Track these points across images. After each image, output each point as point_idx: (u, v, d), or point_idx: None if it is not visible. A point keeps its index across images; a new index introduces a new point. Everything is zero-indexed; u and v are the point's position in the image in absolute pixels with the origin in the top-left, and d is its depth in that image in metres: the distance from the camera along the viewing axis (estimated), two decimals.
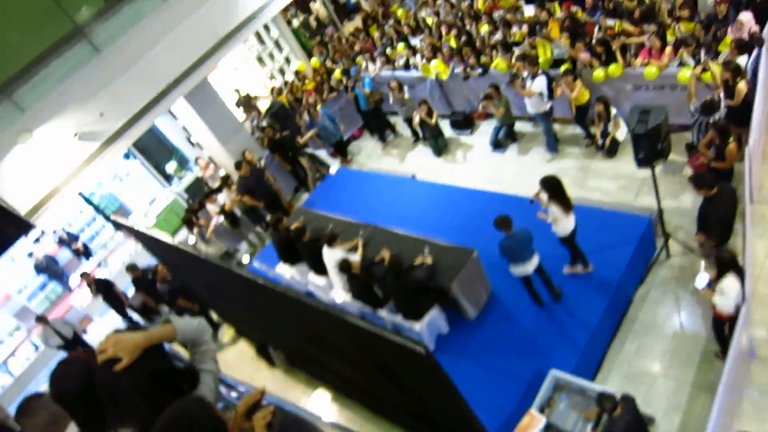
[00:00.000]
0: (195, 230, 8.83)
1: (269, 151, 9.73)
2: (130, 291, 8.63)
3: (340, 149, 10.24)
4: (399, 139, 10.31)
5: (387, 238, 6.20)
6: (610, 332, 5.48)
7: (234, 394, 3.95)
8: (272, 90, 11.46)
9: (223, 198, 9.37)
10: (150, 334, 1.99)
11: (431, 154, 9.31)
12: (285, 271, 7.14)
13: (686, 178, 5.95)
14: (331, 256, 6.00)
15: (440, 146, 9.18)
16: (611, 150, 7.52)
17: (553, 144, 7.92)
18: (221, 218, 9.05)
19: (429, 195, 7.79)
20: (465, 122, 9.34)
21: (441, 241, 5.93)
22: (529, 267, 5.22)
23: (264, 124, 10.46)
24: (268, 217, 6.97)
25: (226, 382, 4.22)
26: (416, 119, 8.99)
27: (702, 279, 4.28)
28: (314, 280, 6.69)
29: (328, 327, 2.88)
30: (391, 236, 6.24)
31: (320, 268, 6.40)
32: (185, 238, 9.64)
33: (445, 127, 9.41)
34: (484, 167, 8.44)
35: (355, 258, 5.89)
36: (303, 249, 6.57)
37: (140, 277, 7.80)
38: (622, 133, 7.40)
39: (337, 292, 6.24)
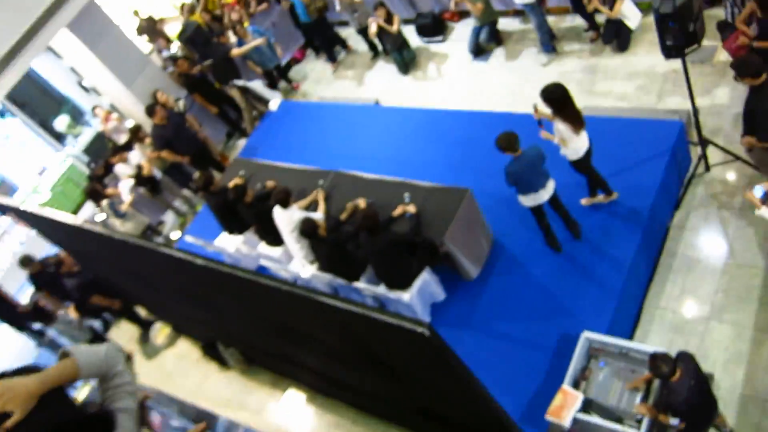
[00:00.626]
0: (104, 203, 8.30)
1: (187, 90, 9.38)
2: (29, 291, 8.05)
3: (280, 76, 10.10)
4: (353, 56, 10.18)
5: (354, 187, 5.99)
6: (647, 274, 5.28)
7: (176, 423, 3.51)
8: (182, 8, 10.84)
9: (136, 157, 8.92)
10: (46, 376, 1.95)
11: (396, 72, 9.19)
12: (227, 244, 6.85)
13: (720, 67, 5.65)
14: (286, 218, 5.67)
15: (406, 60, 8.98)
16: (622, 42, 7.20)
17: (549, 42, 7.63)
18: (136, 184, 8.69)
19: (399, 124, 7.59)
20: (435, 26, 9.10)
21: (423, 182, 5.67)
22: (544, 194, 5.00)
23: (177, 53, 10.04)
24: (197, 176, 6.42)
25: (164, 402, 3.76)
26: (372, 28, 8.74)
27: (757, 192, 4.16)
28: (267, 252, 6.43)
29: (295, 312, 2.83)
30: (358, 182, 6.03)
31: (273, 236, 6.13)
32: (92, 214, 9.24)
33: (411, 34, 9.21)
34: (465, 81, 8.27)
35: (317, 216, 5.55)
36: (247, 213, 6.26)
37: (39, 271, 7.23)
38: (633, 17, 6.92)
39: (298, 265, 5.94)
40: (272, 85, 9.97)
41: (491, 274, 5.59)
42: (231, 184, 6.52)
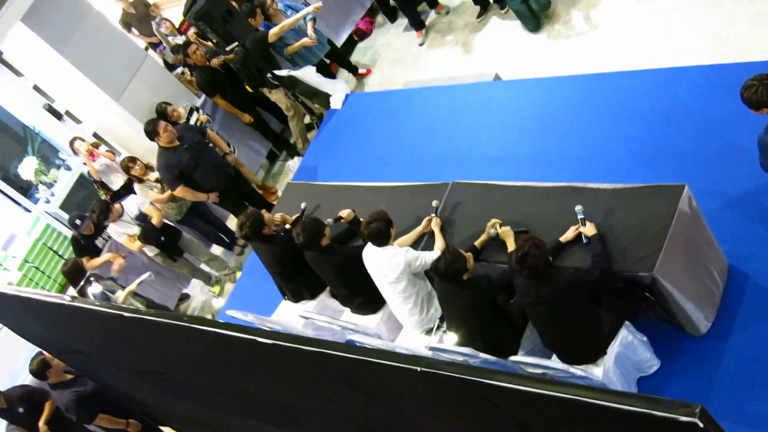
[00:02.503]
0: (93, 287, 8.38)
1: (205, 92, 9.91)
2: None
3: (339, 63, 10.47)
4: (449, 16, 10.49)
5: (485, 202, 6.08)
6: None
7: None
8: None
9: (134, 205, 9.01)
10: None
11: (521, 30, 9.31)
12: (292, 318, 6.89)
13: None
14: (387, 262, 5.76)
15: (537, 9, 9.08)
16: None
17: None
18: (146, 254, 8.96)
19: (537, 103, 7.58)
20: None
21: (598, 184, 5.61)
22: None
23: (187, 37, 10.41)
24: (237, 226, 6.84)
25: None
26: None
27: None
28: (357, 323, 6.49)
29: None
30: (492, 195, 6.12)
31: (365, 297, 6.34)
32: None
33: None
34: (634, 32, 8.18)
35: (435, 254, 5.61)
36: (323, 263, 6.41)
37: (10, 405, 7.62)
38: None
39: (410, 337, 5.97)
40: (329, 72, 10.30)
41: (732, 325, 5.40)
42: (291, 222, 6.76)
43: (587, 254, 5.18)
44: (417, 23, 10.41)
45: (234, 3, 9.80)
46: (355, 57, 11.14)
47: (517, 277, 5.07)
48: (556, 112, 7.41)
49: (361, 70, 10.53)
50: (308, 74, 9.57)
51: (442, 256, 5.29)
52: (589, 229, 5.25)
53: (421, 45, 10.39)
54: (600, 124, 7.00)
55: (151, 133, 8.48)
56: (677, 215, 5.11)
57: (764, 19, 6.97)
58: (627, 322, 5.26)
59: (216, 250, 10.04)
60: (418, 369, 2.57)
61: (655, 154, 6.43)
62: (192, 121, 9.37)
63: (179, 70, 10.73)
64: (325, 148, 9.08)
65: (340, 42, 10.77)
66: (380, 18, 11.28)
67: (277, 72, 9.47)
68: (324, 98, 9.67)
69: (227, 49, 9.43)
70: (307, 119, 10.41)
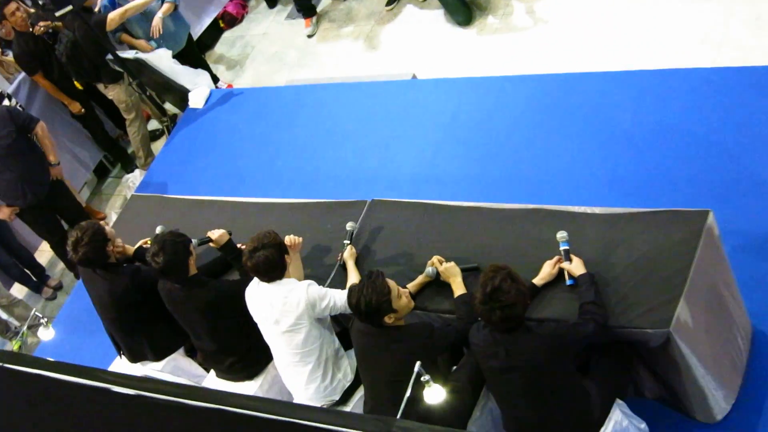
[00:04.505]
0: None
1: (22, 68, 9.55)
2: None
3: (192, 62, 10.20)
4: (348, 2, 10.67)
5: (416, 225, 6.04)
6: None
7: None
8: None
9: None
10: None
11: (445, 23, 9.50)
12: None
13: None
14: (288, 296, 5.35)
15: None
16: None
17: None
18: None
19: (474, 108, 7.62)
20: None
21: (582, 207, 5.44)
22: None
23: None
24: (71, 243, 6.24)
25: None
26: None
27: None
28: (232, 391, 6.05)
29: None
30: (428, 216, 6.05)
31: (239, 356, 6.02)
32: None
33: None
34: (597, 28, 8.45)
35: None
36: (185, 302, 5.94)
37: None
38: None
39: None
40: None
41: (756, 409, 5.21)
42: (131, 253, 6.48)
43: (572, 301, 4.85)
44: (306, 9, 10.41)
45: None
46: (220, 50, 11.06)
47: (478, 328, 4.70)
48: (503, 119, 7.34)
49: (220, 84, 10.36)
50: (162, 59, 9.27)
51: (360, 285, 4.93)
52: (576, 267, 4.93)
53: (309, 37, 10.36)
54: (564, 136, 6.96)
55: None
56: (700, 251, 4.85)
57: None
58: (619, 401, 4.95)
59: (18, 290, 9.54)
60: None
61: (635, 175, 6.39)
62: None
63: None
64: (179, 158, 8.72)
65: (199, 30, 10.66)
66: (254, 1, 11.36)
67: (120, 53, 9.14)
68: (179, 95, 9.39)
69: (57, 14, 8.93)
70: (153, 125, 10.24)
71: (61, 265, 9.52)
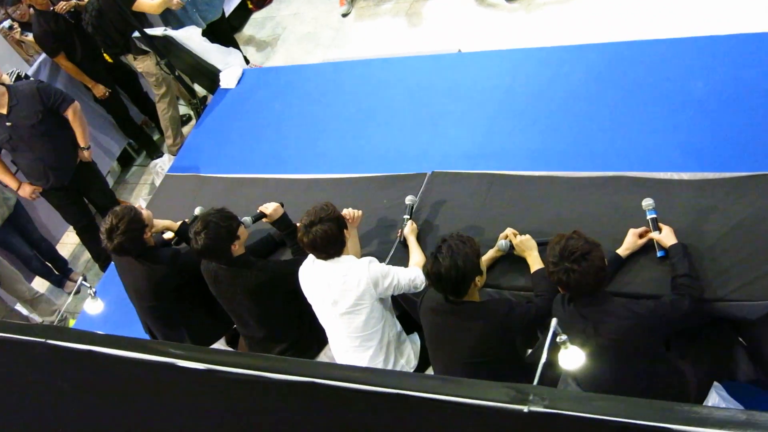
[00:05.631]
0: None
1: (43, 49, 9.34)
2: None
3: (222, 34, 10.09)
4: None
5: (482, 198, 5.91)
6: None
7: None
8: None
9: None
10: None
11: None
12: None
13: None
14: (347, 275, 5.12)
15: None
16: None
17: None
18: None
19: (530, 79, 7.37)
20: None
21: (665, 173, 5.43)
22: None
23: None
24: (105, 231, 5.93)
25: None
26: None
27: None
28: None
29: None
30: (493, 188, 5.97)
31: (291, 342, 5.81)
32: None
33: None
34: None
35: (413, 272, 5.24)
36: (231, 285, 5.71)
37: None
38: None
39: None
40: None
41: None
42: (176, 230, 6.29)
43: (664, 274, 4.68)
44: None
45: None
46: (249, 32, 10.90)
47: (562, 301, 4.49)
48: (563, 90, 7.00)
49: (250, 66, 10.12)
50: (192, 37, 9.01)
51: (447, 246, 4.61)
52: (666, 236, 4.72)
53: (344, 16, 10.34)
54: (631, 105, 6.62)
55: None
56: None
57: None
58: (716, 383, 4.75)
59: (39, 285, 9.30)
60: (525, 410, 2.20)
61: (713, 141, 6.04)
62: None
63: (5, 24, 10.06)
64: (211, 140, 8.37)
65: (227, 10, 10.46)
66: None
67: (148, 30, 8.86)
68: (210, 76, 9.10)
69: None
70: (182, 110, 10.05)
71: (85, 256, 9.36)
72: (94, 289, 6.22)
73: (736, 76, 6.40)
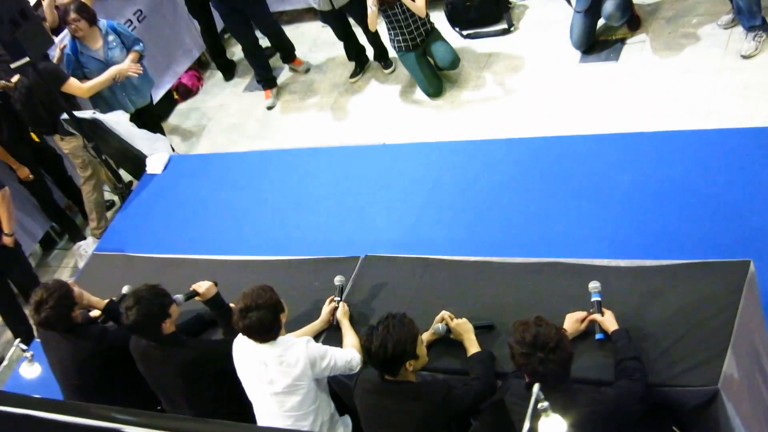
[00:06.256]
0: None
1: None
2: None
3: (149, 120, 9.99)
4: (310, 74, 10.63)
5: (417, 282, 5.86)
6: None
7: None
8: None
9: None
10: None
11: (413, 94, 9.50)
12: None
13: None
14: (284, 354, 5.03)
15: (444, 65, 9.26)
16: None
17: (756, 12, 7.80)
18: None
19: (458, 170, 7.35)
20: (489, 8, 9.66)
21: (607, 260, 5.39)
22: None
23: None
24: (33, 305, 5.80)
25: None
26: (372, 7, 8.87)
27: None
28: None
29: None
30: (429, 272, 5.90)
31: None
32: None
33: (439, 21, 9.52)
34: (571, 100, 8.46)
35: (350, 356, 5.16)
36: (161, 363, 5.60)
37: None
38: None
39: None
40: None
41: None
42: (103, 308, 6.06)
43: (604, 358, 4.62)
44: (266, 80, 10.31)
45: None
46: (174, 121, 10.83)
47: (517, 386, 4.34)
48: (491, 182, 7.01)
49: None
50: (121, 122, 8.95)
51: (384, 324, 4.57)
52: (609, 320, 4.65)
53: (269, 108, 10.25)
54: (559, 198, 6.67)
55: None
56: (742, 304, 4.72)
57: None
58: None
59: None
60: None
61: (640, 233, 6.13)
62: None
63: None
64: (136, 224, 8.21)
65: (154, 99, 10.45)
66: (210, 72, 11.29)
67: (77, 113, 8.77)
68: (137, 161, 8.98)
69: (13, 66, 8.55)
70: (106, 195, 9.94)
71: (6, 335, 9.14)
72: (31, 352, 6.05)
73: (660, 171, 6.50)
